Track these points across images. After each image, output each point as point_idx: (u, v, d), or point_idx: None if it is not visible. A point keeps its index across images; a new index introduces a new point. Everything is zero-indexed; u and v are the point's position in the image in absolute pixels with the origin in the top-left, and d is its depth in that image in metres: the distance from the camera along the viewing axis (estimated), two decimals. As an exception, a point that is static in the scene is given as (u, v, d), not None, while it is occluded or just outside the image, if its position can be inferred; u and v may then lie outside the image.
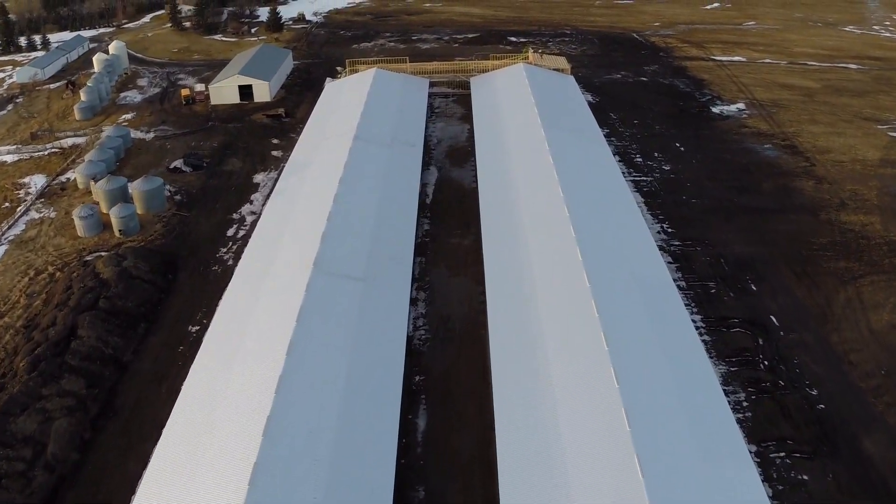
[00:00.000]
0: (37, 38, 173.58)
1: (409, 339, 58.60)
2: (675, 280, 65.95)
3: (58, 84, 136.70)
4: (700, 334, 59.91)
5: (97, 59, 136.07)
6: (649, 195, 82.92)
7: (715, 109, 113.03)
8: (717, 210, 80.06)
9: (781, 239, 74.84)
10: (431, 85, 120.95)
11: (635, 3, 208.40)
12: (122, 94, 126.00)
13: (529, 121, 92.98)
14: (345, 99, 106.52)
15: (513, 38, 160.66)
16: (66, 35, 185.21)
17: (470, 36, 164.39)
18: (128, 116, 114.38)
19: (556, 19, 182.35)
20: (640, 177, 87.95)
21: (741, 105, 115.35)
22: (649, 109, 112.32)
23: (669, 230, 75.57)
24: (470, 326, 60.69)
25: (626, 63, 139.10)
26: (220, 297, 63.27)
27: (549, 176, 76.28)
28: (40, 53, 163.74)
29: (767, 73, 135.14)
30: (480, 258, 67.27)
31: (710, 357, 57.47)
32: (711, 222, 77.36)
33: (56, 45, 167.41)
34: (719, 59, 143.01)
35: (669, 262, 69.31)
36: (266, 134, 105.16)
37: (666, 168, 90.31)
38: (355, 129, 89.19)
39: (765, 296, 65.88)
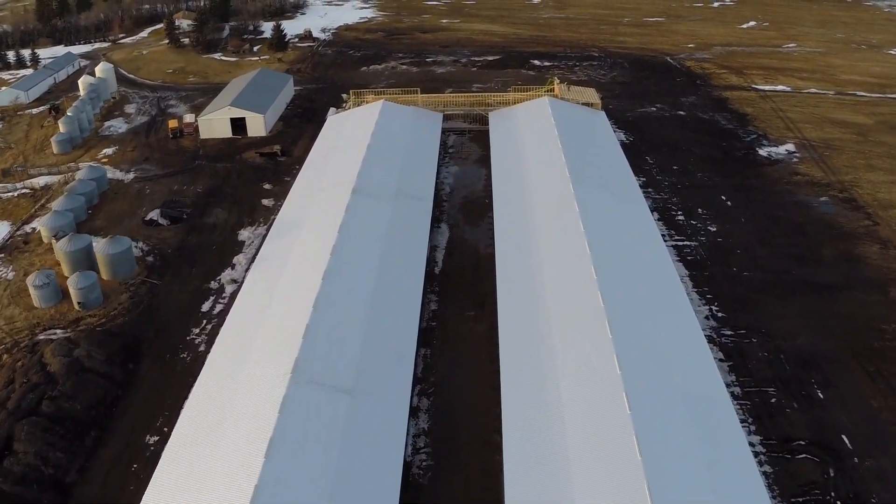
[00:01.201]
0: (26, 54, 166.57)
1: (407, 467, 49.28)
2: (728, 385, 56.36)
3: (41, 108, 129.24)
4: (760, 464, 50.22)
5: (82, 83, 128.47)
6: (694, 266, 73.12)
7: (762, 152, 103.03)
8: (774, 286, 70.08)
9: (849, 325, 64.83)
10: (446, 118, 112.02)
11: (666, 22, 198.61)
12: (107, 124, 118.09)
13: (555, 170, 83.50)
14: (347, 137, 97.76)
15: (536, 62, 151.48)
16: (60, 49, 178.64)
17: (490, 59, 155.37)
18: (108, 151, 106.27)
19: (583, 39, 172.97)
20: (682, 241, 78.15)
21: (790, 146, 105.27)
22: (689, 152, 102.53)
23: (719, 314, 65.72)
24: (482, 449, 51.23)
25: (660, 93, 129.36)
26: (185, 398, 54.37)
27: (579, 248, 66.73)
28: (29, 71, 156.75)
29: (815, 105, 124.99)
30: (497, 350, 57.88)
31: (773, 497, 47.82)
32: (768, 304, 67.41)
33: (46, 62, 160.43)
34: (762, 89, 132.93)
35: (721, 361, 59.55)
36: (258, 176, 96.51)
37: (712, 229, 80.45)
38: (355, 178, 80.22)
39: (834, 406, 55.98)
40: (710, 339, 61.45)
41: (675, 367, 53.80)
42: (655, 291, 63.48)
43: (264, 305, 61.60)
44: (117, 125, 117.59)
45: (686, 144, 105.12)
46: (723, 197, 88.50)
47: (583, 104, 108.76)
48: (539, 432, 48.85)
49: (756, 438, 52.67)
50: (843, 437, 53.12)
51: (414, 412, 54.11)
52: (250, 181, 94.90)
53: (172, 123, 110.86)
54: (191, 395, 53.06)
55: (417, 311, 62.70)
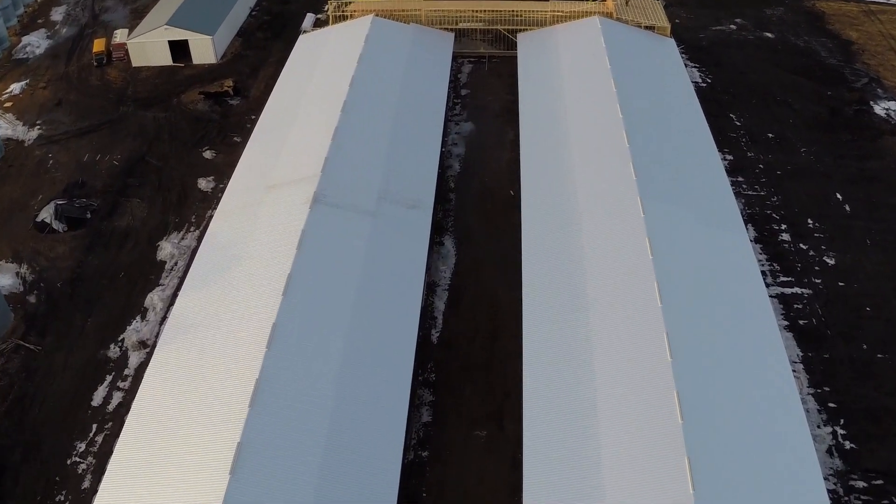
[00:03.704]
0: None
1: None
2: None
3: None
4: None
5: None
6: (808, 338, 50.93)
7: (878, 109, 76.64)
8: (927, 385, 48.46)
9: None
10: (459, 35, 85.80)
11: None
12: (25, 40, 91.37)
13: (613, 154, 59.98)
14: (318, 79, 72.78)
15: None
16: None
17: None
18: (16, 89, 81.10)
19: None
20: (790, 285, 55.26)
21: (912, 100, 79.08)
22: (786, 106, 76.80)
23: (847, 444, 44.62)
24: None
25: (740, 0, 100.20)
26: None
27: (650, 318, 45.39)
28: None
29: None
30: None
31: None
32: (919, 425, 46.24)
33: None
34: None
35: (856, 549, 39.61)
36: (198, 135, 72.26)
37: (829, 261, 57.34)
38: (319, 173, 56.75)
39: None
40: (834, 501, 41.17)
41: None
42: (757, 397, 43.06)
43: (171, 419, 41.54)
44: (36, 42, 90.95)
45: (781, 92, 79.04)
46: (838, 195, 64.40)
47: (646, 27, 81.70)
48: None
49: None
50: None
51: None
52: (187, 144, 70.92)
53: (98, 45, 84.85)
54: None
55: (402, 434, 42.08)
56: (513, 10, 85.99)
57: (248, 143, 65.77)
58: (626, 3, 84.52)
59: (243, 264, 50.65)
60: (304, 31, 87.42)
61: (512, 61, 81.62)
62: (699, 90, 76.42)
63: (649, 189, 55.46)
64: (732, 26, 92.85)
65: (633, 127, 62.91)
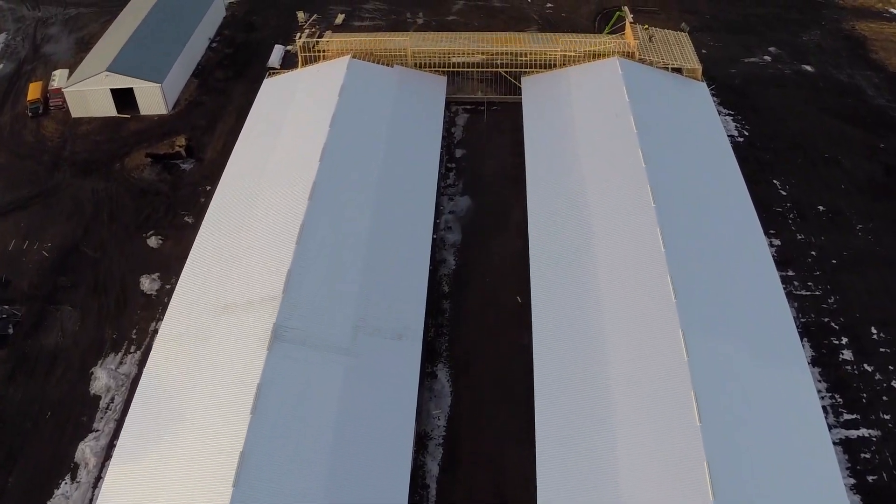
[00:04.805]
0: None
1: None
2: None
3: None
4: None
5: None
6: (873, 492, 43.20)
7: (943, 168, 68.77)
8: None
9: None
10: (452, 77, 76.45)
11: None
12: None
13: (645, 259, 51.83)
14: (284, 143, 63.84)
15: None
16: None
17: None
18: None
19: None
20: (853, 423, 46.75)
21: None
22: (835, 164, 68.28)
23: None
24: None
25: (770, 21, 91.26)
26: None
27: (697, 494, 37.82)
28: None
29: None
30: None
31: None
32: None
33: None
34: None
35: None
36: (144, 213, 63.25)
37: (899, 388, 49.47)
38: (281, 294, 48.00)
39: None
40: None
41: None
42: None
43: None
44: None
45: (827, 145, 70.44)
46: (904, 291, 56.41)
47: (673, 70, 72.56)
48: None
49: None
50: None
51: None
52: (129, 227, 61.64)
53: (33, 91, 75.47)
54: None
55: None
56: (514, 45, 76.52)
57: (200, 231, 57.07)
58: (650, 38, 75.27)
59: (187, 427, 42.22)
60: (271, 69, 78.53)
61: (515, 109, 72.85)
62: (736, 146, 67.95)
63: (691, 314, 47.21)
64: (767, 57, 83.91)
65: (666, 215, 54.36)
